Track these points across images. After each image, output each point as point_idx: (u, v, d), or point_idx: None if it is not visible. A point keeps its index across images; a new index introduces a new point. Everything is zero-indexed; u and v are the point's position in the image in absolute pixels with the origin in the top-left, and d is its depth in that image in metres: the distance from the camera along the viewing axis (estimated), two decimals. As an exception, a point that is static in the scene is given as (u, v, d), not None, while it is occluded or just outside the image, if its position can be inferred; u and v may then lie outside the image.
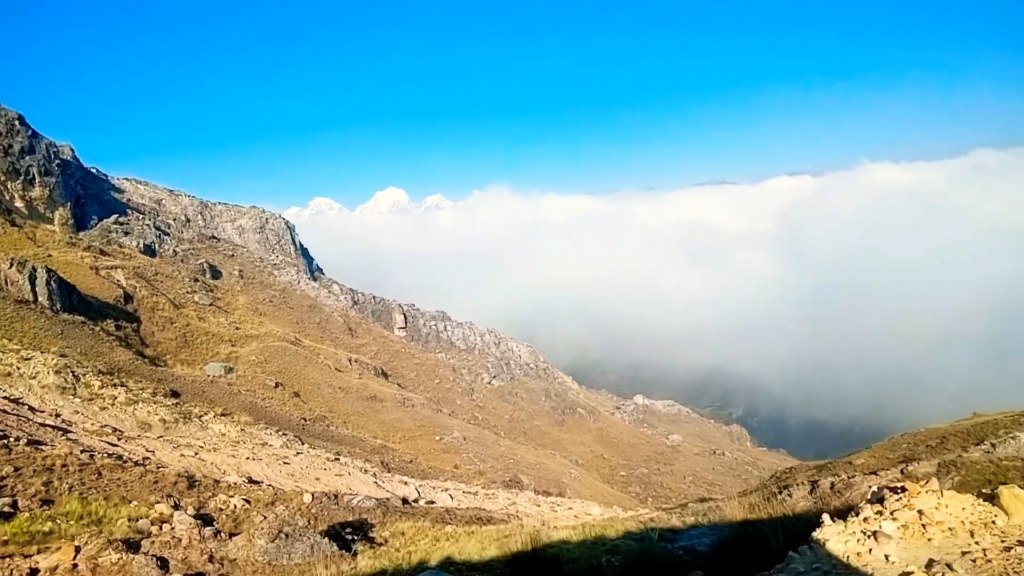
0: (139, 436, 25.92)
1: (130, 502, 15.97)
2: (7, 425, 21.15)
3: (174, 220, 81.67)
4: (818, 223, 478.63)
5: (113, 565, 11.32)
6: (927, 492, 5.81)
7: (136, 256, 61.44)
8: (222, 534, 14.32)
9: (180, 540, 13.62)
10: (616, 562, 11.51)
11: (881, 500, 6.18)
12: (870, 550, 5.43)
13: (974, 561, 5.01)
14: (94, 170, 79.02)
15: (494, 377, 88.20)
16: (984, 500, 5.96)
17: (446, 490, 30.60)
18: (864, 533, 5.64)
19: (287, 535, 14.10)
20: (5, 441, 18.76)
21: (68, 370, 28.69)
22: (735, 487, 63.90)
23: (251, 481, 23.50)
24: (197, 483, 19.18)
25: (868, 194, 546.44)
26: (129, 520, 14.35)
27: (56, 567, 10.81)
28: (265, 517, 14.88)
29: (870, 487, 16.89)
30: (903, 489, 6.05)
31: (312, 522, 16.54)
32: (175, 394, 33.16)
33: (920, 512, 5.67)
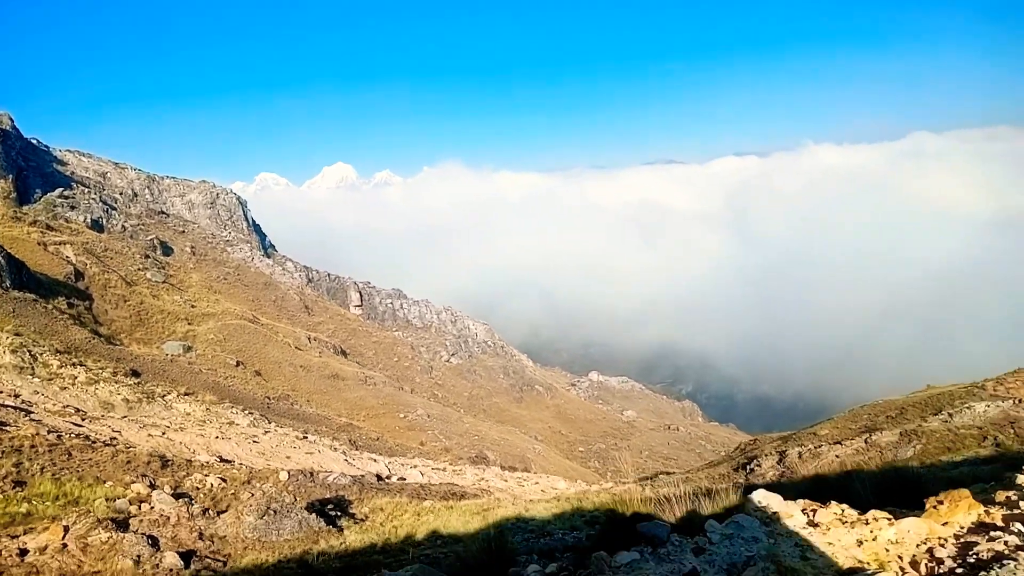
0: (103, 416, 25.36)
1: (105, 482, 15.78)
2: (-34, 406, 20.56)
3: (120, 194, 78.83)
4: (765, 203, 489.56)
5: (103, 544, 11.27)
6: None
7: (84, 231, 59.29)
8: (210, 512, 14.32)
9: (168, 518, 13.59)
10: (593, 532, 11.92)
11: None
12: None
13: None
14: (34, 141, 75.54)
15: (452, 355, 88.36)
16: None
17: (415, 467, 30.82)
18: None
19: (275, 511, 14.18)
20: (-32, 423, 18.30)
21: (24, 349, 27.88)
22: (691, 461, 65.71)
23: (222, 460, 23.33)
24: (170, 463, 19.00)
25: (812, 175, 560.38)
26: (107, 500, 14.22)
27: (45, 547, 10.72)
28: (252, 494, 14.89)
29: (835, 456, 17.72)
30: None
31: (294, 500, 16.56)
32: (135, 373, 32.46)
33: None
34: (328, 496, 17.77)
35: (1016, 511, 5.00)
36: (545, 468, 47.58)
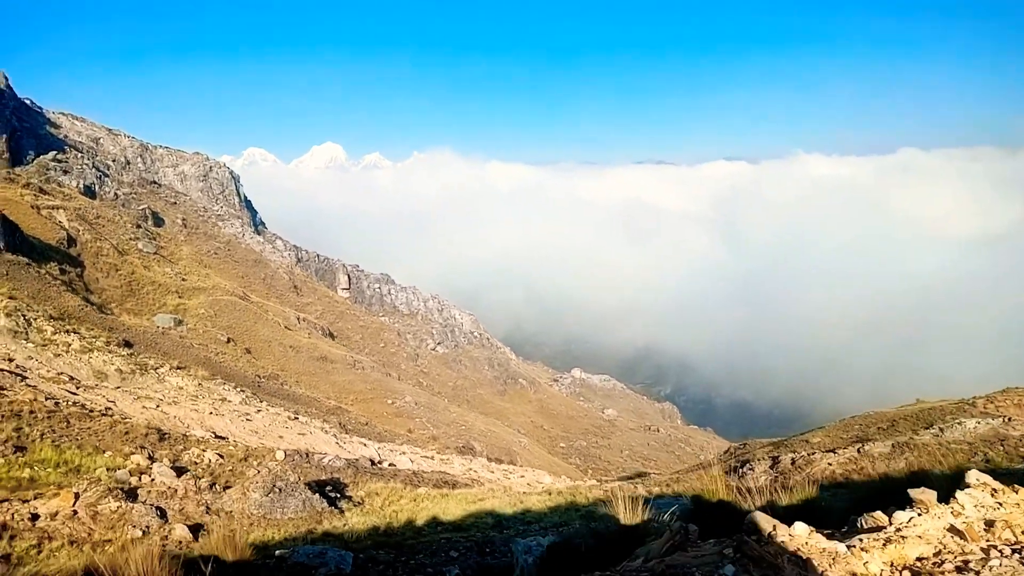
0: (96, 386, 25.34)
1: (104, 452, 15.91)
2: (-37, 368, 20.51)
3: (113, 161, 77.92)
4: (754, 209, 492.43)
5: (113, 513, 11.42)
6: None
7: (77, 197, 58.55)
8: (216, 486, 14.48)
9: (176, 491, 13.75)
10: (593, 526, 12.16)
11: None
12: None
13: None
14: (28, 101, 74.39)
15: (439, 344, 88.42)
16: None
17: (403, 453, 31.02)
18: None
19: (280, 489, 14.35)
20: (-34, 384, 18.29)
21: (19, 313, 27.73)
22: (670, 462, 66.36)
23: (217, 436, 23.43)
24: (167, 436, 19.14)
25: (802, 184, 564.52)
26: (107, 470, 14.36)
27: (56, 513, 10.85)
28: (258, 471, 15.03)
29: (828, 464, 18.12)
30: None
31: (297, 479, 16.73)
32: (128, 344, 32.35)
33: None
34: (324, 478, 17.96)
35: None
36: (530, 462, 47.93)
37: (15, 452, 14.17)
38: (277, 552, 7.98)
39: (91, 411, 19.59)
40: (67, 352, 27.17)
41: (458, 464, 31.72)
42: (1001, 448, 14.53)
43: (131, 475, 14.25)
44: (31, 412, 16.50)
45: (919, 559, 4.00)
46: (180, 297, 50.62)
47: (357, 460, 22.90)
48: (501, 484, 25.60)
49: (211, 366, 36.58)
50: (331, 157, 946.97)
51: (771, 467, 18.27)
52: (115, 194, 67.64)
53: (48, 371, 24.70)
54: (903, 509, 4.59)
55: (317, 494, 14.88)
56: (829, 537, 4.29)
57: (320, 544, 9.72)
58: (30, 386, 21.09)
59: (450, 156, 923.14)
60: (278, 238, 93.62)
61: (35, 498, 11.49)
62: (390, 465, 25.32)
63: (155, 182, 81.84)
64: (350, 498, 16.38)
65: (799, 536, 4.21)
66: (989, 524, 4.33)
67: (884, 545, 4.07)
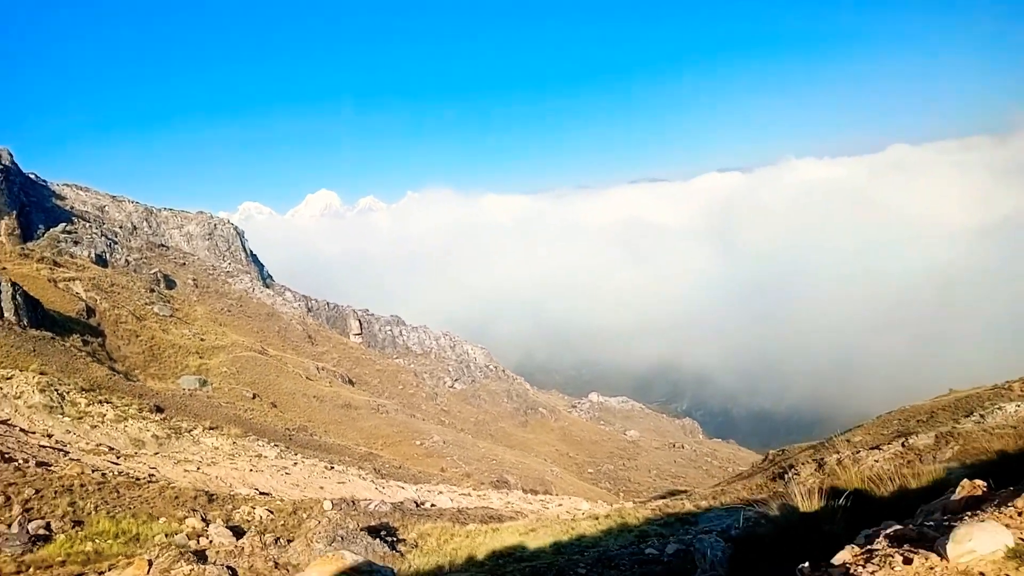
0: (136, 454, 25.57)
1: (158, 518, 16.16)
2: (8, 447, 20.78)
3: (120, 228, 78.95)
4: (750, 217, 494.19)
5: (188, 576, 11.58)
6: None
7: (90, 267, 59.33)
8: (281, 540, 14.65)
9: (243, 549, 13.93)
10: (658, 546, 12.27)
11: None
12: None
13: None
14: (32, 175, 75.67)
15: (456, 380, 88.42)
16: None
17: (441, 493, 31.05)
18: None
19: (342, 538, 14.55)
20: (16, 463, 18.55)
21: (52, 388, 28.06)
22: (699, 478, 65.92)
23: (260, 492, 23.59)
24: (215, 497, 19.35)
25: (796, 189, 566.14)
26: (165, 536, 14.58)
27: (132, 582, 11.02)
28: (319, 522, 15.23)
29: (875, 461, 18.15)
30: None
31: (356, 526, 16.88)
32: (159, 409, 32.62)
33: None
34: (373, 523, 18.10)
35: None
36: (565, 490, 47.74)
37: (73, 527, 14.44)
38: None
39: (137, 479, 19.85)
40: (103, 423, 27.45)
41: (496, 498, 31.71)
42: (1048, 428, 14.64)
43: (189, 538, 14.46)
44: (82, 486, 16.77)
45: None
46: (201, 357, 51.01)
47: (402, 503, 23.01)
48: (542, 514, 25.65)
49: (242, 423, 36.79)
50: (326, 204, 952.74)
51: (817, 469, 18.30)
52: (126, 260, 68.42)
53: (87, 443, 24.97)
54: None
55: (377, 539, 15.07)
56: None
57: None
58: (74, 460, 21.36)
59: (445, 192, 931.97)
60: (287, 289, 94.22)
61: (109, 569, 11.73)
62: (432, 505, 25.40)
63: (163, 245, 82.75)
64: (404, 540, 16.56)
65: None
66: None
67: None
